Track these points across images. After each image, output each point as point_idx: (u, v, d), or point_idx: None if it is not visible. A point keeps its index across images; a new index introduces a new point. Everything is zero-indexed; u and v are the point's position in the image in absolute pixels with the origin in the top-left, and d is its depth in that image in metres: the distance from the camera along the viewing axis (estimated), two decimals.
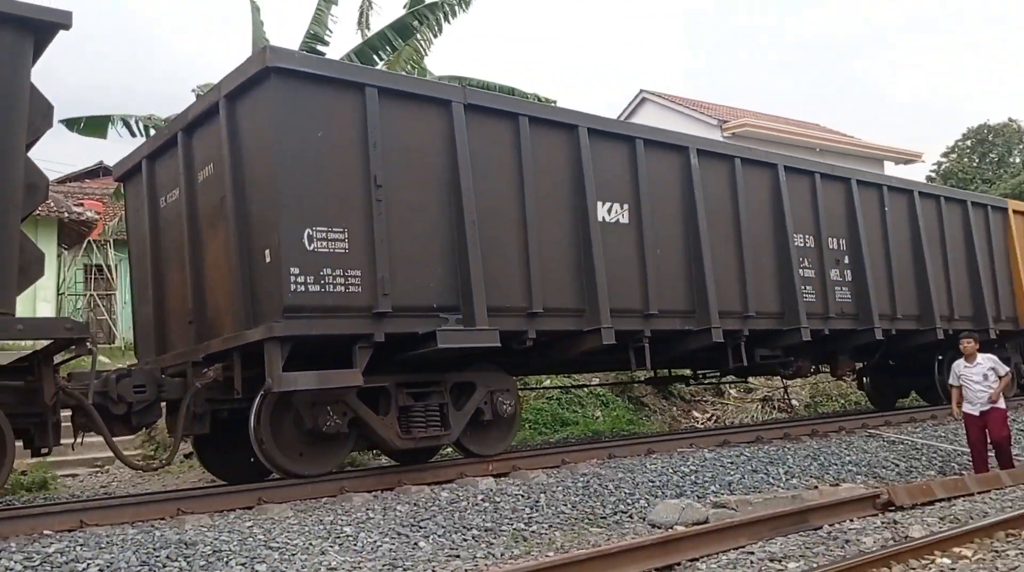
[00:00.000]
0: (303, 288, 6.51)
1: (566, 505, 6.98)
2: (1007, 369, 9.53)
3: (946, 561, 5.14)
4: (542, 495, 7.07)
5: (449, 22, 15.93)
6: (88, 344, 6.26)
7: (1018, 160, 37.85)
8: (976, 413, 9.20)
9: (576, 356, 8.82)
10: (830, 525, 6.34)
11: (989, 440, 9.20)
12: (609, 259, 8.41)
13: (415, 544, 5.75)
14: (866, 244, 11.30)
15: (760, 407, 15.71)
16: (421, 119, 7.41)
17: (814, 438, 10.26)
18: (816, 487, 7.99)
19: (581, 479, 7.56)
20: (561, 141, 8.38)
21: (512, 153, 7.94)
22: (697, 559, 5.37)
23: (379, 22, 16.60)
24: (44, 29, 6.09)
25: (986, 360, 9.39)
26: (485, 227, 7.55)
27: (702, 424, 14.68)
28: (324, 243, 6.67)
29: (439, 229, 7.37)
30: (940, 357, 12.89)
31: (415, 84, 8.17)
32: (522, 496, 7.00)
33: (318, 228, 6.66)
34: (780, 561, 5.28)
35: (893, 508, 6.92)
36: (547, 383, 13.89)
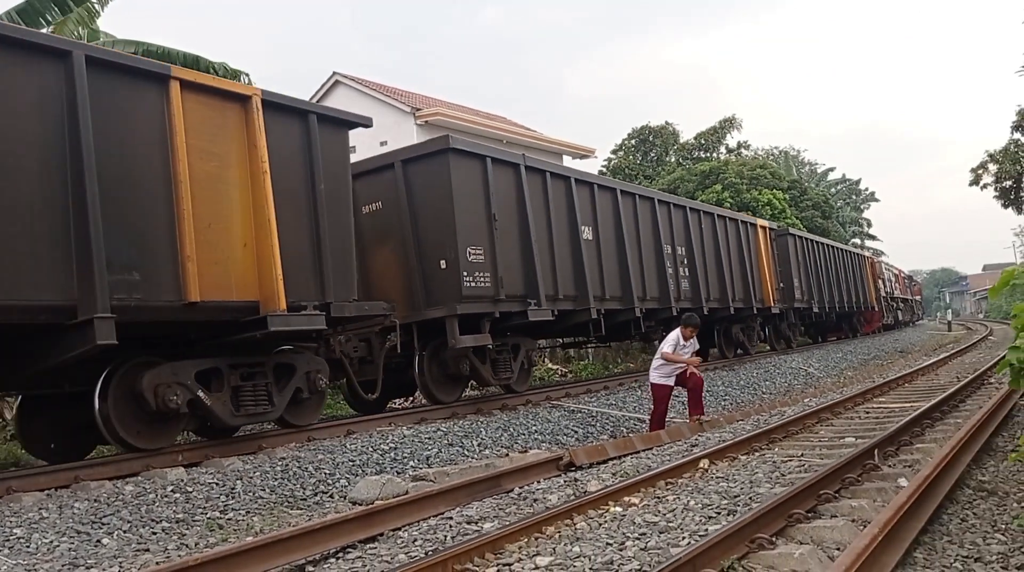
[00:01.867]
0: (469, 284, 10.34)
1: (264, 490, 6.83)
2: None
3: (618, 509, 5.73)
4: (238, 482, 6.85)
5: None
6: (392, 318, 9.67)
7: (673, 159, 42.62)
8: (673, 384, 10.53)
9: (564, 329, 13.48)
10: (520, 487, 6.80)
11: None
12: (589, 259, 12.79)
13: (97, 541, 5.34)
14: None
15: None
16: (510, 175, 11.50)
17: (504, 412, 10.89)
18: (507, 455, 8.50)
19: (280, 463, 7.43)
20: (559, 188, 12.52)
21: (561, 198, 12.52)
22: (399, 528, 5.52)
23: None
24: (354, 126, 9.31)
25: (694, 340, 10.64)
26: (542, 244, 11.78)
27: (400, 405, 14.95)
28: (474, 256, 10.52)
29: (521, 246, 11.42)
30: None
31: (510, 155, 11.84)
32: (216, 484, 6.73)
33: (471, 247, 10.49)
34: (476, 523, 5.58)
35: (574, 468, 7.58)
36: None
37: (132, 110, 7.10)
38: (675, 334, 10.54)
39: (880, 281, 35.16)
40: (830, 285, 25.73)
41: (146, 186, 7.13)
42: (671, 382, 10.54)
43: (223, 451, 7.87)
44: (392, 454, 8.18)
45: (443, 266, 10.37)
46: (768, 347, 22.11)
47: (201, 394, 7.70)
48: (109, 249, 6.62)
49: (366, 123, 9.47)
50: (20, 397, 8.35)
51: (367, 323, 9.63)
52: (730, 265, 18.05)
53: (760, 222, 21.10)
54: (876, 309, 33.28)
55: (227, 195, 7.72)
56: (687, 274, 15.95)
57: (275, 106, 8.23)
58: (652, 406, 10.68)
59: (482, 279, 10.60)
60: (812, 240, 25.12)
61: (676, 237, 15.76)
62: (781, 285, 21.25)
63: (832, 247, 27.60)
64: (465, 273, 10.29)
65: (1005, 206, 27.20)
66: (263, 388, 8.33)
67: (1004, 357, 5.15)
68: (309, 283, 8.36)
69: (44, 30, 13.72)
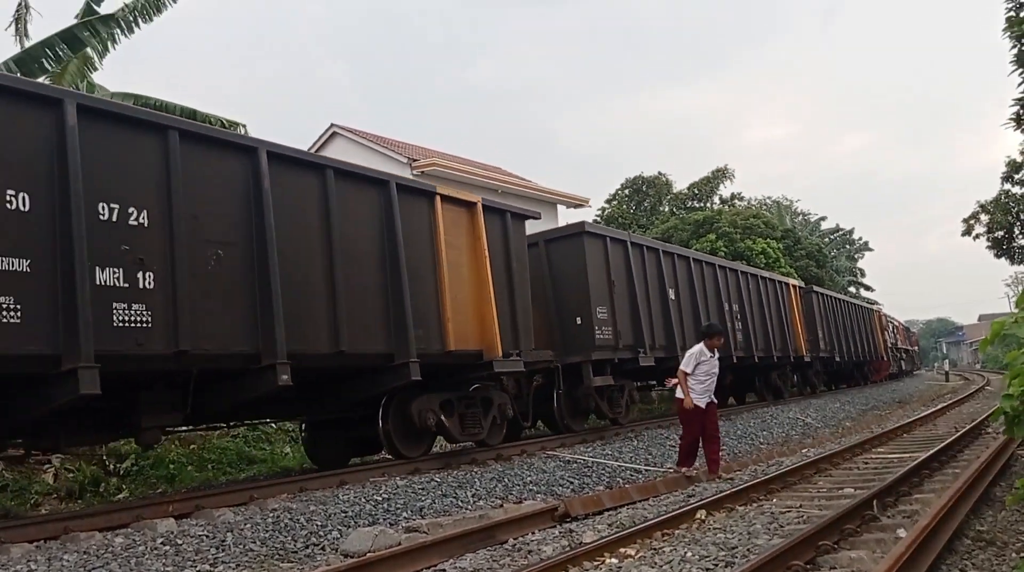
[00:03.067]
0: (599, 337, 13.13)
1: (255, 542, 6.72)
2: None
3: (614, 561, 5.66)
4: (228, 534, 6.74)
5: (127, 36, 14.96)
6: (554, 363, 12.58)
7: (667, 208, 42.93)
8: (703, 405, 9.43)
9: None
10: (514, 538, 6.71)
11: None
12: (675, 315, 15.91)
13: None
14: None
15: None
16: (620, 249, 14.44)
17: (499, 462, 10.79)
18: (502, 506, 8.40)
19: (271, 514, 7.32)
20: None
21: (654, 266, 15.46)
22: None
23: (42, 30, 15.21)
24: (529, 218, 12.24)
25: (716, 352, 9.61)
26: (645, 304, 14.67)
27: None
28: (601, 314, 13.26)
29: (630, 306, 14.25)
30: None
31: (620, 234, 14.92)
32: (207, 536, 6.62)
33: (599, 307, 13.26)
34: None
35: (569, 519, 7.48)
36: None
37: (417, 219, 10.19)
38: (697, 347, 9.63)
39: (886, 333, 38.16)
40: (847, 337, 28.53)
41: (423, 271, 10.12)
42: (701, 402, 9.47)
43: (214, 502, 7.78)
44: (385, 505, 8.07)
45: (579, 322, 13.17)
46: (798, 391, 24.36)
47: (443, 418, 10.48)
48: (416, 316, 9.66)
49: (535, 216, 12.87)
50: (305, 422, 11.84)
51: (538, 366, 12.38)
52: (771, 319, 20.62)
53: (791, 281, 24.18)
54: (884, 358, 36.40)
55: (463, 275, 10.74)
56: (740, 327, 18.62)
57: (487, 208, 11.33)
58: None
59: (607, 332, 13.35)
60: (831, 296, 28.36)
61: (732, 296, 18.50)
62: (809, 337, 23.83)
63: (847, 302, 31.12)
64: (596, 328, 13.11)
65: (997, 256, 27.32)
66: (477, 415, 11.09)
67: (999, 406, 5.14)
68: (509, 336, 11.23)
69: (40, 78, 13.92)
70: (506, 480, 9.62)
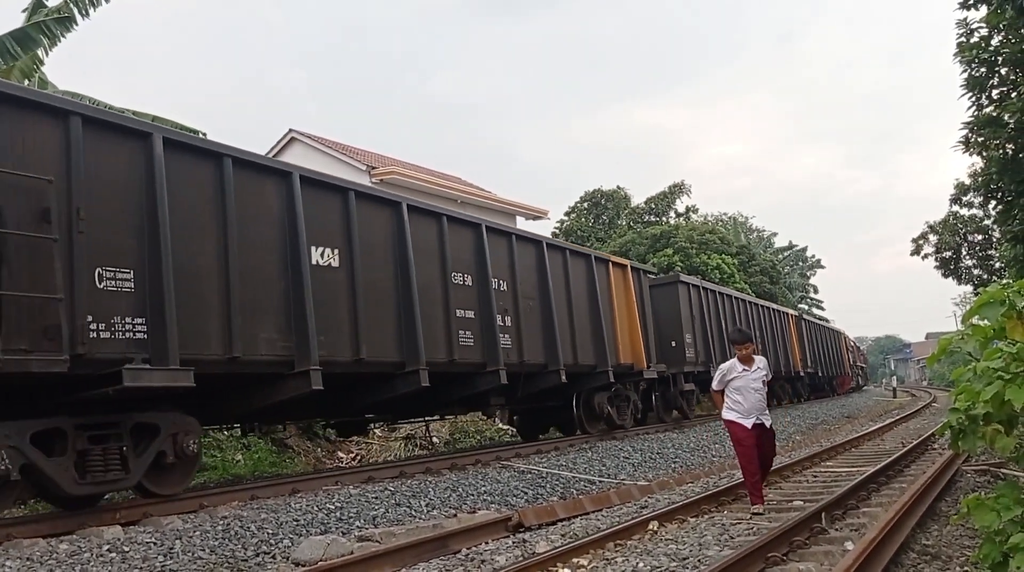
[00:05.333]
0: (687, 356, 18.54)
1: (204, 550, 6.61)
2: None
3: (567, 571, 5.67)
4: (177, 541, 6.63)
5: (75, 26, 14.72)
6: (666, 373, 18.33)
7: (624, 222, 43.27)
8: (750, 426, 7.78)
9: None
10: (467, 548, 6.69)
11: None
12: (721, 339, 21.07)
13: None
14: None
15: (403, 445, 16.12)
16: (697, 290, 20.02)
17: (453, 471, 10.76)
18: (455, 515, 8.37)
19: (221, 522, 7.21)
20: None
21: (710, 301, 21.02)
22: None
23: None
24: (649, 274, 18.41)
25: (762, 363, 8.07)
26: (707, 330, 20.36)
27: (347, 464, 14.70)
28: (688, 338, 18.72)
29: (703, 332, 19.61)
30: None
31: (695, 280, 20.56)
32: (155, 544, 6.50)
33: (687, 334, 18.66)
34: None
35: (523, 529, 7.49)
36: None
37: (603, 279, 15.42)
38: (728, 362, 8.20)
39: (849, 352, 45.09)
40: (823, 356, 35.07)
41: (607, 313, 15.30)
42: (749, 425, 7.80)
43: (162, 509, 7.64)
44: (338, 513, 7.99)
45: (674, 345, 18.40)
46: (788, 400, 29.50)
47: (609, 408, 15.41)
48: (608, 342, 15.00)
49: (653, 272, 20.79)
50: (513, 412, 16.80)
51: (659, 374, 17.34)
52: (779, 342, 26.86)
53: (790, 311, 31.05)
54: (849, 374, 43.66)
55: (623, 313, 16.02)
56: (771, 349, 25.45)
57: (634, 269, 17.06)
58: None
59: (691, 352, 18.82)
60: (814, 323, 36.64)
61: (754, 323, 23.89)
62: (802, 357, 29.94)
63: (825, 327, 38.88)
64: (686, 349, 18.54)
65: (945, 276, 27.99)
66: (625, 407, 16.19)
67: (946, 421, 5.26)
68: (642, 353, 16.25)
69: None
70: (460, 490, 9.59)
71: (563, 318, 13.68)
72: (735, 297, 23.38)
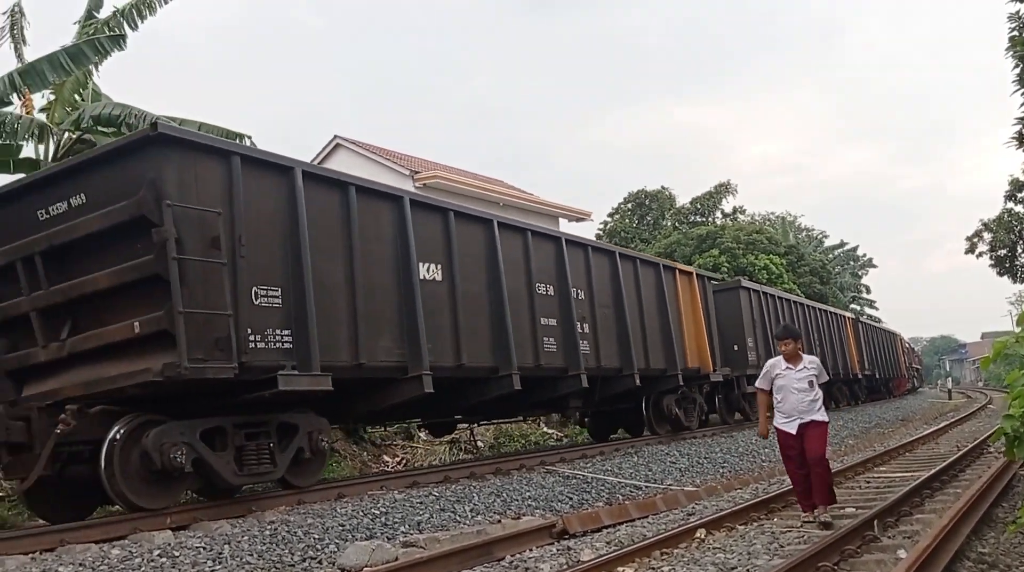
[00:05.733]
0: (749, 358, 19.12)
1: (252, 555, 6.68)
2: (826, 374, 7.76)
3: None
4: (226, 546, 6.71)
5: (123, 48, 15.02)
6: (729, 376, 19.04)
7: (669, 223, 42.93)
8: (794, 431, 7.33)
9: None
10: (512, 555, 6.67)
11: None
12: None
13: None
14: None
15: (448, 449, 16.16)
16: (757, 295, 21.12)
17: (498, 476, 10.75)
18: (500, 521, 8.36)
19: (269, 527, 7.29)
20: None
21: (770, 305, 21.96)
22: None
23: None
24: (713, 281, 17.55)
25: (811, 363, 7.58)
26: (767, 331, 20.47)
27: (392, 468, 14.78)
28: (751, 342, 19.53)
29: (764, 335, 20.06)
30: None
31: (755, 286, 21.04)
32: (204, 548, 6.59)
33: (749, 337, 19.50)
34: None
35: (567, 536, 7.44)
36: None
37: (671, 287, 16.04)
38: (772, 359, 7.81)
39: (904, 354, 45.56)
40: (880, 358, 35.67)
41: (676, 320, 15.96)
42: (791, 429, 7.37)
43: (213, 514, 7.75)
44: (383, 519, 8.03)
45: (736, 349, 19.05)
46: (846, 402, 29.77)
47: (677, 410, 15.99)
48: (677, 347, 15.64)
49: (717, 278, 21.86)
50: (584, 414, 17.04)
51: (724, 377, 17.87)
52: (836, 345, 27.38)
53: (847, 314, 32.23)
54: (905, 376, 44.18)
55: (689, 319, 16.56)
56: (819, 352, 24.49)
57: (699, 276, 17.68)
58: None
59: (753, 355, 19.27)
60: (871, 325, 37.84)
61: (812, 326, 24.85)
62: (859, 359, 30.86)
63: (881, 330, 39.89)
64: (748, 353, 19.19)
65: (1000, 274, 27.29)
66: (692, 409, 16.70)
67: (1000, 427, 5.11)
68: (708, 357, 16.77)
69: (45, 93, 14.06)
70: (504, 495, 9.58)
71: (635, 324, 14.37)
72: (794, 301, 24.38)
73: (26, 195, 8.19)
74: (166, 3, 15.51)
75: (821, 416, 7.39)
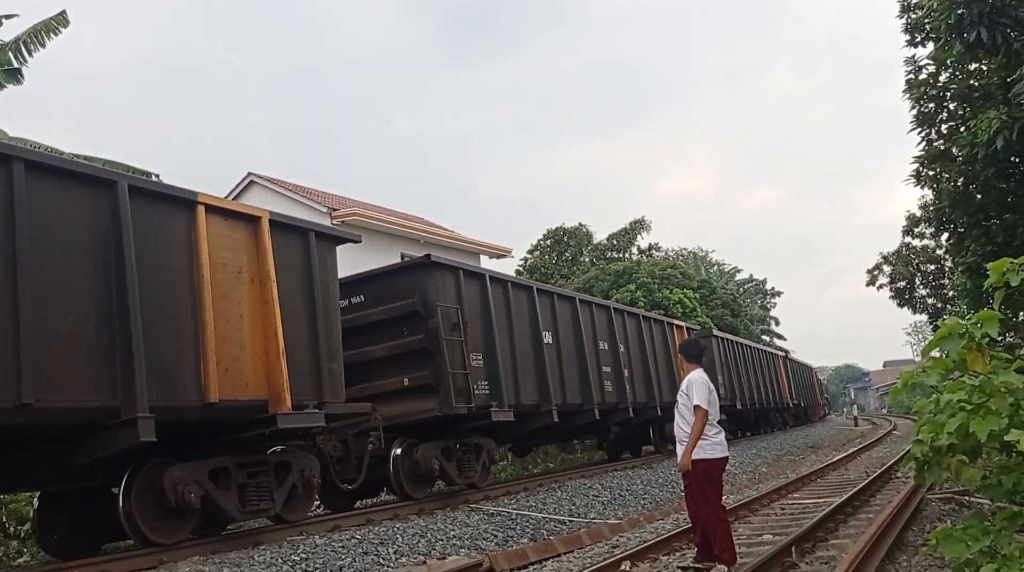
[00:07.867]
0: (722, 393, 19.54)
1: None
2: (696, 396, 6.30)
3: None
4: None
5: (20, 82, 14.58)
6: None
7: (587, 259, 43.48)
8: (721, 456, 6.33)
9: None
10: None
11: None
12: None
13: None
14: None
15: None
16: (723, 342, 25.35)
17: (421, 516, 10.59)
18: (425, 563, 8.22)
19: None
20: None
21: (741, 351, 27.92)
22: None
23: None
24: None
25: (688, 379, 6.48)
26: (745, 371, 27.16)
27: (312, 512, 14.39)
28: (721, 380, 22.22)
29: (739, 375, 25.89)
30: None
31: (727, 337, 26.54)
32: None
33: (719, 375, 22.11)
34: None
35: None
36: None
37: (665, 334, 19.90)
38: (697, 373, 6.53)
39: (817, 384, 52.02)
40: (803, 389, 40.66)
41: (673, 364, 18.69)
42: (714, 454, 6.24)
43: (121, 567, 7.39)
44: (303, 565, 7.80)
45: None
46: (770, 427, 32.87)
47: None
48: (672, 384, 17.78)
49: (696, 329, 25.35)
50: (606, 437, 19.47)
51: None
52: (774, 377, 32.21)
53: (779, 353, 37.82)
54: (819, 404, 50.94)
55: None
56: (757, 384, 28.74)
57: (688, 329, 22.16)
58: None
59: (723, 389, 21.93)
60: (795, 361, 43.01)
61: (754, 365, 28.57)
62: (789, 390, 35.11)
63: (800, 364, 45.53)
64: (720, 387, 19.07)
65: (900, 305, 28.42)
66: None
67: (909, 451, 5.30)
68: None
69: None
70: (429, 535, 9.44)
71: (653, 368, 18.60)
72: (748, 345, 29.33)
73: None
74: (56, 35, 15.11)
75: (701, 452, 6.11)
